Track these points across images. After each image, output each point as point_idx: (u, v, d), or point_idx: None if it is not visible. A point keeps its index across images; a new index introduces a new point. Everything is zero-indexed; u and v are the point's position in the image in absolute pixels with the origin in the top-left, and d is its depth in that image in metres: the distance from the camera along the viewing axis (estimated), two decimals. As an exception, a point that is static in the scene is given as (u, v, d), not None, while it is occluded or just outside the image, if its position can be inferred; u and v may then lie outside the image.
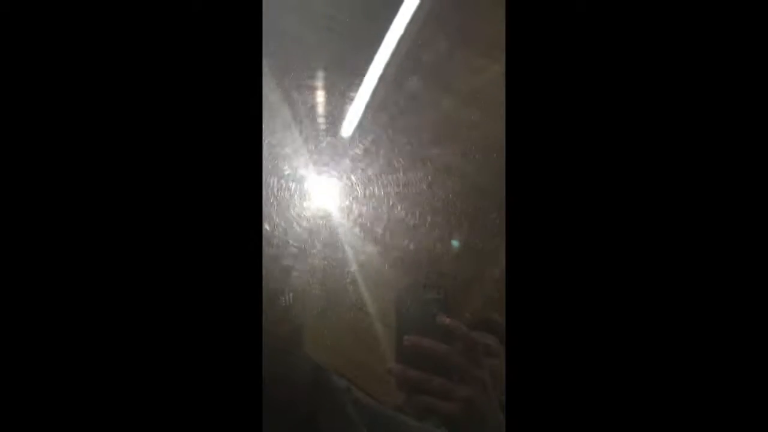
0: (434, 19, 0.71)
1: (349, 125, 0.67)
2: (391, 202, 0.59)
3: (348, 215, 0.58)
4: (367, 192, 0.59)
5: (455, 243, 0.58)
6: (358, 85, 0.68)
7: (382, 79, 0.68)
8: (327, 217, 0.58)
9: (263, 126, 0.42)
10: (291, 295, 0.56)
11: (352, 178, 0.60)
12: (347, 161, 0.61)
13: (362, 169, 0.60)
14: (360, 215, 0.58)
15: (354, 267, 0.56)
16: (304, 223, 0.55)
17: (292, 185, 0.58)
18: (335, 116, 0.66)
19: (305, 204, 0.57)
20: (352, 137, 0.64)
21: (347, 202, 0.59)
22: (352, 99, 0.66)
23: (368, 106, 0.66)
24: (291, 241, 0.55)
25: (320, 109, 0.65)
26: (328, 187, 0.60)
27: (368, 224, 0.58)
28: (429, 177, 0.60)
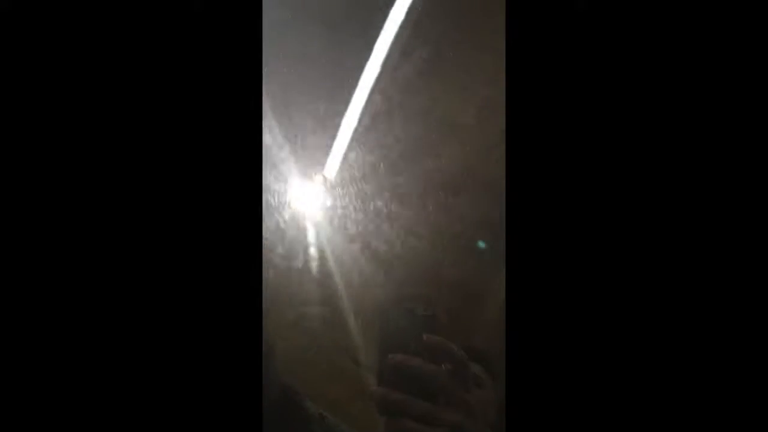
0: (414, 57, 0.72)
1: (338, 151, 0.67)
2: (381, 220, 0.57)
3: (334, 227, 0.56)
4: (358, 209, 0.57)
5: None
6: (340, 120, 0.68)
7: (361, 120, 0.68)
8: (313, 228, 0.55)
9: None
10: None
11: (342, 190, 0.58)
12: (338, 177, 0.60)
13: (351, 181, 0.59)
14: (348, 229, 0.56)
15: (338, 281, 0.52)
16: (289, 234, 0.53)
17: (281, 198, 0.55)
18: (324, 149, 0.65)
19: (293, 213, 0.55)
20: (344, 158, 0.63)
21: (336, 217, 0.57)
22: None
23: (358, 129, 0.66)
24: (275, 253, 0.52)
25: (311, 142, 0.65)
26: (318, 201, 0.59)
27: (356, 238, 0.55)
28: (419, 195, 0.59)
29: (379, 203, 0.60)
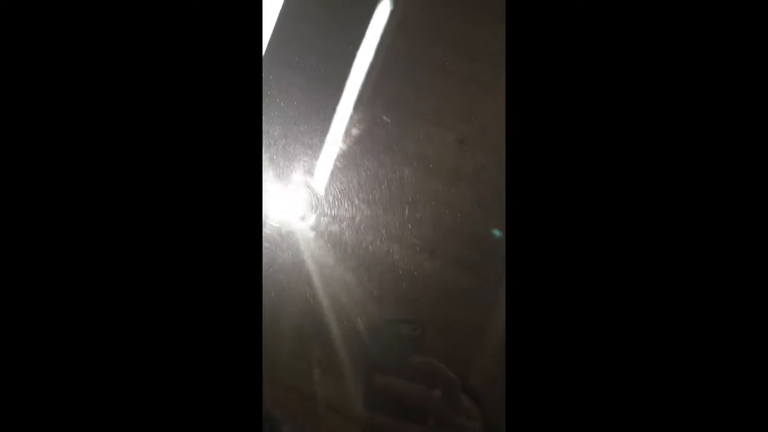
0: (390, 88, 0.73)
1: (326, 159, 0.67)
2: (370, 235, 0.55)
3: (322, 242, 0.54)
4: (345, 220, 0.56)
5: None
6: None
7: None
8: (299, 240, 0.54)
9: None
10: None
11: (329, 200, 0.57)
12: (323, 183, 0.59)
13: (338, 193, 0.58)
14: (335, 243, 0.54)
15: (322, 298, 0.50)
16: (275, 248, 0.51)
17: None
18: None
19: (276, 224, 0.53)
20: (334, 168, 0.62)
21: (323, 230, 0.55)
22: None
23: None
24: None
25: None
26: (303, 211, 0.58)
27: (344, 253, 0.54)
28: (408, 210, 0.58)
29: (368, 216, 0.58)
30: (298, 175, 0.65)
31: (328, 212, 0.59)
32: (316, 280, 0.52)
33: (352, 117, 0.68)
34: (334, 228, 0.57)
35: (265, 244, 0.53)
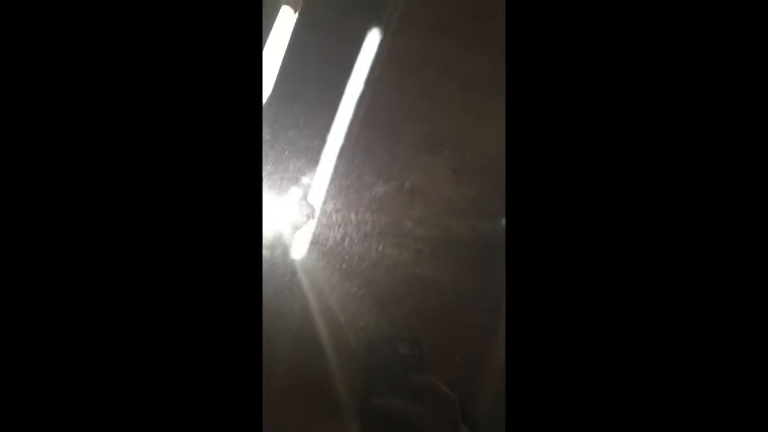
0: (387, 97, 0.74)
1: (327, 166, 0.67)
2: (369, 249, 0.55)
3: (321, 258, 0.54)
4: (344, 236, 0.56)
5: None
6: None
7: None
8: (297, 255, 0.53)
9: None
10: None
11: (329, 216, 0.57)
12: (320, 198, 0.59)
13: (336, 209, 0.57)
14: (334, 259, 0.53)
15: (317, 315, 0.49)
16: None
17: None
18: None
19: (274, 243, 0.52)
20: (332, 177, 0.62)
21: (321, 244, 0.55)
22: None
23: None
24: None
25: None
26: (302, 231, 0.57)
27: (343, 270, 0.53)
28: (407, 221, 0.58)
29: (371, 240, 0.58)
30: (293, 192, 0.65)
31: (324, 222, 0.59)
32: (312, 297, 0.52)
33: (346, 140, 0.69)
34: (330, 245, 0.57)
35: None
